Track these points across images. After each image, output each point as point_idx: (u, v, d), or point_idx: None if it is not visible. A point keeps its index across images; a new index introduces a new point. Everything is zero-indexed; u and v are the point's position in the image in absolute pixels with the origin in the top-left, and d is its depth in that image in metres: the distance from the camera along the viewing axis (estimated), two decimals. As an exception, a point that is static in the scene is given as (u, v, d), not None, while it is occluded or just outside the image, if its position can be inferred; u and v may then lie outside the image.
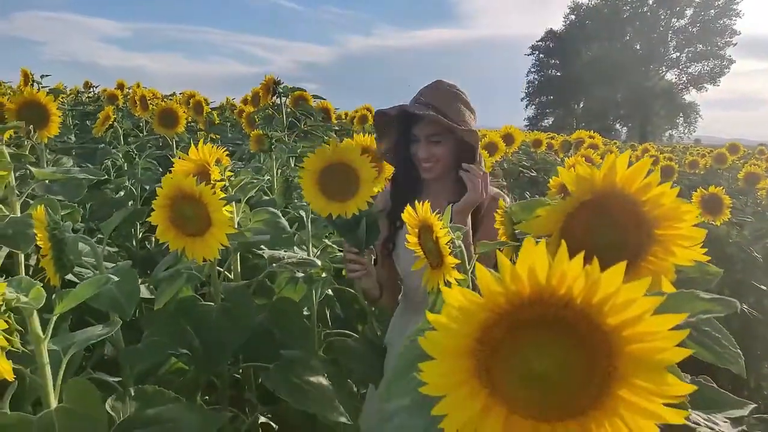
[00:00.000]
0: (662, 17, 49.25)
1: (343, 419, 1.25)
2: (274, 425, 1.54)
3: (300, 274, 1.77)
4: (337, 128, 3.10)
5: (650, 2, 49.35)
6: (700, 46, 47.48)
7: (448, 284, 1.15)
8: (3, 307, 0.76)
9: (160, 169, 2.93)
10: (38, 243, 1.02)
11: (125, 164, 2.90)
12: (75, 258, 1.02)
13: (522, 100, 52.19)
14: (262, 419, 1.51)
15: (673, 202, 0.62)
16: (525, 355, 0.48)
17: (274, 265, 1.61)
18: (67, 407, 0.82)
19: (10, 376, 0.82)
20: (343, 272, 1.78)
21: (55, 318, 0.87)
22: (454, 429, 0.51)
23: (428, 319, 0.51)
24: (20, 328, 0.85)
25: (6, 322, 0.78)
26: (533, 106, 51.81)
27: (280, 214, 1.59)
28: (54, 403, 0.88)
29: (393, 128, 1.68)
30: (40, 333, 0.87)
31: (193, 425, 0.94)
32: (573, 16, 51.13)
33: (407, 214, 1.19)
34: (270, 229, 1.54)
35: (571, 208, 0.66)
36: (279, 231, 1.55)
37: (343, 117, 5.16)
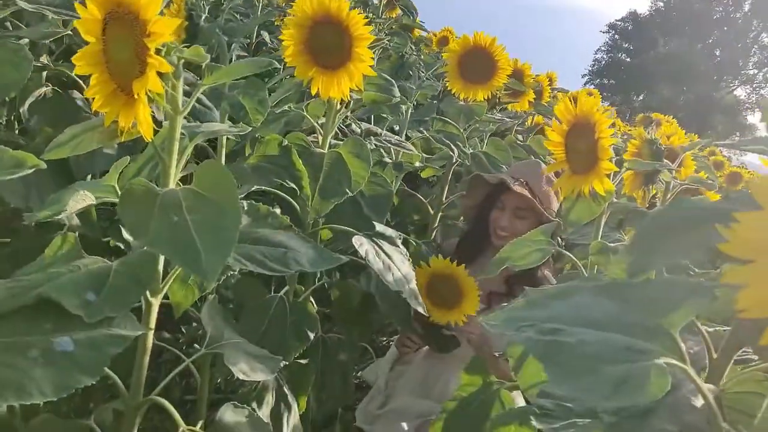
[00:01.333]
0: (753, 28, 46.58)
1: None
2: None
3: (388, 160, 1.67)
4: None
5: (746, 9, 46.56)
6: (782, 70, 45.12)
7: (593, 193, 1.04)
8: (174, 58, 0.66)
9: None
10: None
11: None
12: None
13: (583, 76, 50.36)
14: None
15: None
16: None
17: (371, 138, 1.50)
18: (195, 189, 0.72)
19: (148, 135, 0.72)
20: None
21: (198, 92, 0.77)
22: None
23: None
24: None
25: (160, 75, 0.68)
26: (592, 86, 50.04)
27: (394, 83, 1.47)
28: (173, 185, 0.79)
29: (483, 191, 1.81)
30: (180, 102, 0.76)
31: (310, 254, 0.85)
32: (661, 3, 48.50)
33: (562, 106, 1.07)
34: (383, 94, 1.41)
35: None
36: (390, 97, 1.42)
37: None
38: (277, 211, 0.96)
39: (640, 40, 47.37)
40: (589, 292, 0.66)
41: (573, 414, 0.77)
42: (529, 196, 1.69)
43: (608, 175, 1.00)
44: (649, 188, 1.26)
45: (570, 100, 1.03)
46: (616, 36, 50.20)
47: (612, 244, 1.03)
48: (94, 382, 0.61)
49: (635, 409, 0.70)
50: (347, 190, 1.16)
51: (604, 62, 49.96)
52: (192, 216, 0.69)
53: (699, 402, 0.67)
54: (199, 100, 1.16)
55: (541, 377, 1.04)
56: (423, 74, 2.18)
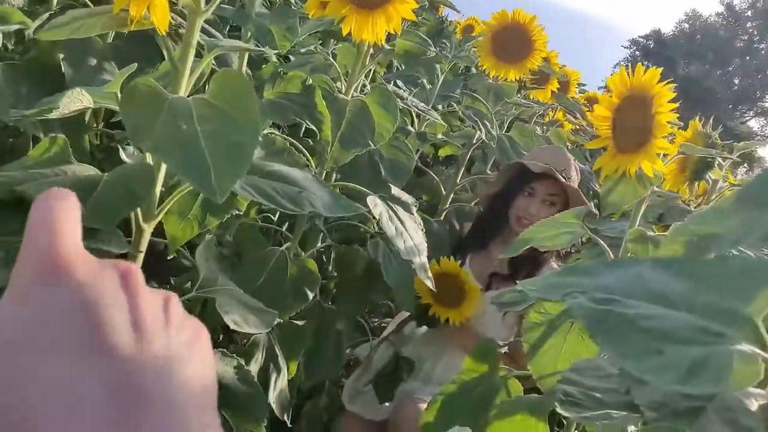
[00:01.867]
0: (775, 62, 46.31)
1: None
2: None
3: (411, 129, 1.59)
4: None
5: (770, 40, 46.27)
6: (798, 107, 44.90)
7: (640, 174, 0.94)
8: None
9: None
10: None
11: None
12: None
13: (600, 88, 49.98)
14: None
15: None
16: None
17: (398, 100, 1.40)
18: (208, 99, 0.63)
19: (163, 25, 0.63)
20: None
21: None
22: None
23: None
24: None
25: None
26: (607, 99, 49.64)
27: (430, 41, 1.36)
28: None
29: (507, 177, 1.74)
30: (202, 1, 0.66)
31: (325, 198, 0.76)
32: (686, 25, 48.12)
33: (617, 77, 0.98)
34: (418, 46, 1.31)
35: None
36: (425, 49, 1.32)
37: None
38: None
39: (660, 59, 47.02)
40: (648, 266, 0.57)
41: (604, 405, 0.69)
42: (567, 184, 1.64)
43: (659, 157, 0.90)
44: (695, 186, 1.17)
45: (627, 71, 0.94)
46: (637, 52, 49.88)
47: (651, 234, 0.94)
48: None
49: (679, 407, 0.62)
50: (369, 142, 1.07)
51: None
52: (203, 127, 0.59)
53: (754, 405, 0.58)
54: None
55: (557, 366, 0.96)
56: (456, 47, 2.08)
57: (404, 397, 1.56)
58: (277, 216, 1.48)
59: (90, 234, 0.59)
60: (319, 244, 1.46)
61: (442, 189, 2.13)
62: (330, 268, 1.53)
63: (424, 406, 1.36)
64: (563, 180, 1.64)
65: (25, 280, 0.24)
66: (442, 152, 2.06)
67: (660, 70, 0.91)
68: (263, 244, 1.17)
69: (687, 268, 0.54)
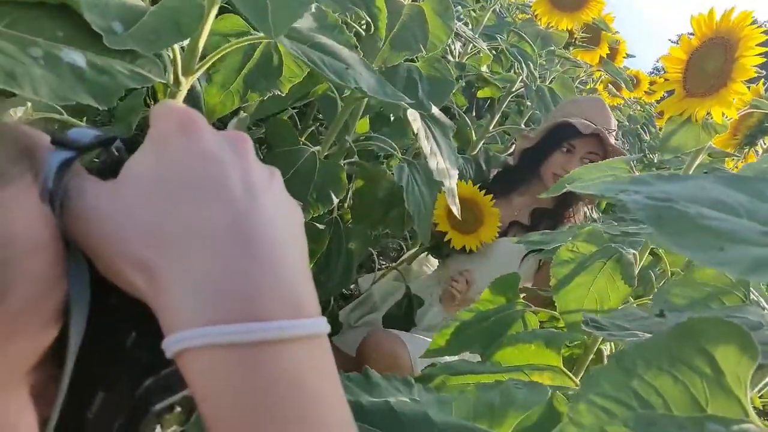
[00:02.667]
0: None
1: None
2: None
3: (451, 58, 1.52)
4: None
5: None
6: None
7: (706, 121, 0.89)
8: None
9: None
10: None
11: None
12: None
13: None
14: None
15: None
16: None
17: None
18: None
19: None
20: None
21: None
22: None
23: None
24: None
25: None
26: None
27: None
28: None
29: (550, 132, 1.67)
30: None
31: (371, 81, 0.72)
32: (737, 27, 46.58)
33: (700, 17, 0.92)
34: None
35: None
36: None
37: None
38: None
39: None
40: (709, 179, 0.53)
41: (629, 330, 0.66)
42: (612, 145, 1.59)
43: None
44: (746, 151, 1.11)
45: (712, 12, 0.88)
46: (681, 48, 48.42)
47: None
48: (101, 108, 0.49)
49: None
50: (421, 47, 1.01)
51: (662, 73, 48.44)
52: (263, -39, 0.55)
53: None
54: None
55: (583, 305, 0.94)
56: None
57: (374, 328, 1.52)
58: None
59: (130, 58, 0.55)
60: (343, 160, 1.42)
61: (473, 135, 2.07)
62: (351, 186, 1.49)
63: (394, 338, 1.32)
64: (610, 140, 1.58)
65: (167, 129, 0.29)
66: (481, 94, 1.99)
67: (752, 11, 0.84)
68: (294, 142, 1.13)
69: (749, 184, 0.51)
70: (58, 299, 0.25)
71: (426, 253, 1.76)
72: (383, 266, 2.63)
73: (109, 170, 0.29)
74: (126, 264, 0.26)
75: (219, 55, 0.71)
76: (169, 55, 0.68)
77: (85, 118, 0.76)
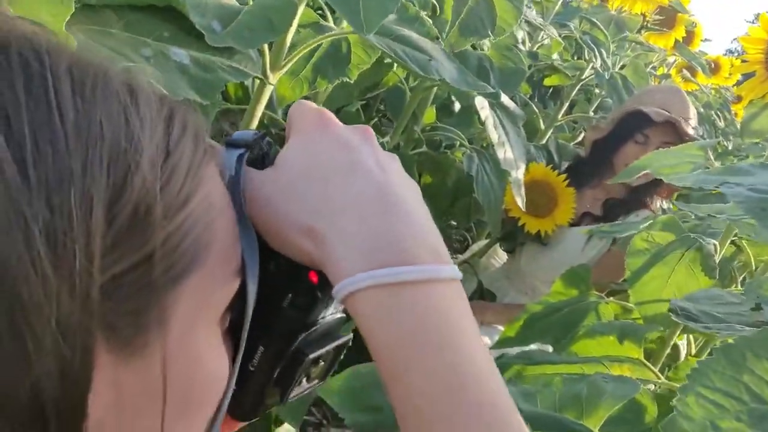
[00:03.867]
0: None
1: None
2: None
3: (522, 47, 1.49)
4: None
5: None
6: None
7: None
8: None
9: None
10: None
11: None
12: None
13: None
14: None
15: None
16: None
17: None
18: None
19: None
20: None
21: None
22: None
23: None
24: None
25: None
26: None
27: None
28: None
29: (623, 122, 1.59)
30: None
31: (453, 72, 0.72)
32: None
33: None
34: None
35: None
36: None
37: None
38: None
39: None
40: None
41: (722, 322, 0.64)
42: (689, 134, 1.51)
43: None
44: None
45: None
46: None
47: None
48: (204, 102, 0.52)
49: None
50: (489, 32, 1.00)
51: (737, 54, 45.86)
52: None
53: None
54: None
55: (661, 294, 0.91)
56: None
57: None
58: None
59: (228, 55, 0.58)
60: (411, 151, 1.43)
61: (541, 124, 2.04)
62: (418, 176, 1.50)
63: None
64: (686, 129, 1.52)
65: (308, 125, 0.35)
66: (548, 82, 1.95)
67: None
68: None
69: None
70: (239, 255, 0.31)
71: (498, 244, 1.74)
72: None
73: (260, 161, 0.35)
74: (295, 232, 0.32)
75: (305, 50, 0.74)
76: (258, 50, 0.71)
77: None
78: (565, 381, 0.59)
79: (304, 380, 0.36)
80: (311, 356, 0.34)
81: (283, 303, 0.34)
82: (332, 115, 0.36)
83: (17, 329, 0.21)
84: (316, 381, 0.37)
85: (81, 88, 0.24)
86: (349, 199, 0.32)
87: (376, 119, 1.79)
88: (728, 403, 0.31)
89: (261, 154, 0.35)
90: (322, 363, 0.37)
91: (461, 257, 1.88)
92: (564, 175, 1.53)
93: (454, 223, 1.95)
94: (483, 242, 1.81)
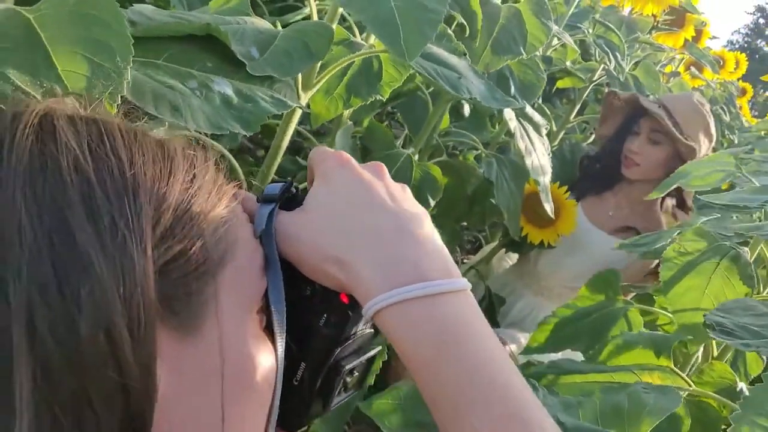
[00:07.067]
0: None
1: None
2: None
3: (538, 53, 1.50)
4: None
5: None
6: None
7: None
8: None
9: None
10: None
11: None
12: None
13: (710, 55, 46.03)
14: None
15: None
16: None
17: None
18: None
19: None
20: None
21: None
22: None
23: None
24: None
25: None
26: (718, 67, 45.79)
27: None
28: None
29: (620, 118, 1.63)
30: None
31: (482, 89, 0.73)
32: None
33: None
34: None
35: None
36: None
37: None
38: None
39: (787, 29, 42.57)
40: None
41: (760, 336, 0.64)
42: (662, 119, 1.50)
43: None
44: None
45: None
46: (761, 20, 45.42)
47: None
48: (245, 134, 0.53)
49: None
50: (522, 50, 1.01)
51: (738, 45, 45.55)
52: (391, -15, 0.57)
53: None
54: None
55: (699, 303, 0.91)
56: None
57: None
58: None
59: (269, 83, 0.59)
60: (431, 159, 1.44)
61: (553, 125, 2.04)
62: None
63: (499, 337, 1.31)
64: (666, 122, 1.50)
65: (329, 167, 0.41)
66: (561, 84, 1.95)
67: None
68: (391, 145, 1.15)
69: None
70: (261, 255, 0.38)
71: (504, 249, 1.75)
72: (461, 260, 2.63)
73: (288, 202, 0.40)
74: (325, 262, 0.38)
75: (336, 69, 0.75)
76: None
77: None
78: (604, 391, 0.60)
79: (342, 390, 0.41)
80: (347, 367, 0.40)
81: (319, 322, 0.39)
82: (349, 157, 0.42)
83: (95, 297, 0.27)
84: (352, 391, 0.43)
85: (131, 137, 0.33)
86: (368, 230, 0.38)
87: (386, 122, 1.79)
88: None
89: (289, 197, 0.41)
90: (357, 374, 0.42)
91: (473, 258, 1.88)
92: (565, 187, 1.54)
93: (465, 223, 1.95)
94: (494, 245, 1.82)
